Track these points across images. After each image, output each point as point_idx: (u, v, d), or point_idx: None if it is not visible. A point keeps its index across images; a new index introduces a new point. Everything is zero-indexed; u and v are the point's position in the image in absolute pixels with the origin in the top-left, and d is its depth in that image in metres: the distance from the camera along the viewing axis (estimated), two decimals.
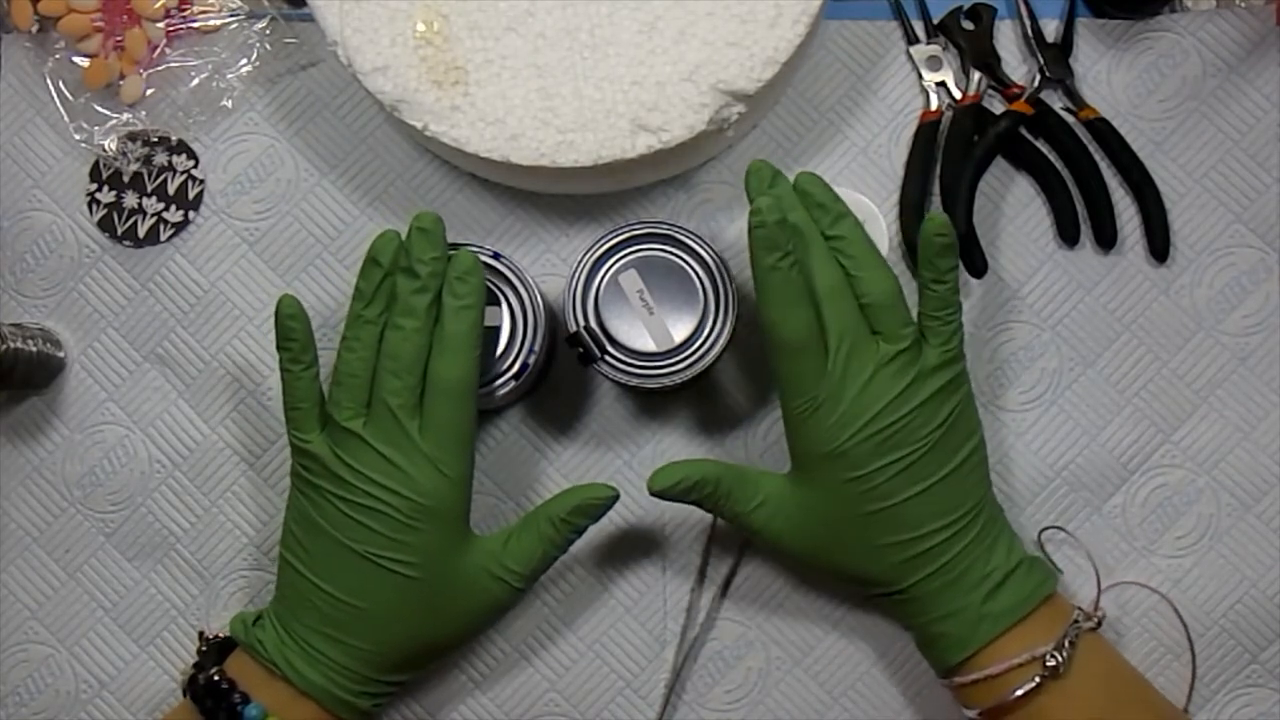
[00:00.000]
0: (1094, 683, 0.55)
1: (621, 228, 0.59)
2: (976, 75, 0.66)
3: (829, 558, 0.58)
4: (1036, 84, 0.66)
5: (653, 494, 0.57)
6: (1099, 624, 0.57)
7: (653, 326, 0.59)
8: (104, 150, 0.68)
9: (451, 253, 0.57)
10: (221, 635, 0.60)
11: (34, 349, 0.65)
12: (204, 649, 0.60)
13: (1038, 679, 0.54)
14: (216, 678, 0.56)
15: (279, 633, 0.57)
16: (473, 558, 0.57)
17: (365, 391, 0.56)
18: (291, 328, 0.57)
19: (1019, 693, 0.54)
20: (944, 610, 0.56)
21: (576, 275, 0.59)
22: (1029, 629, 0.55)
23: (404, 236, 0.57)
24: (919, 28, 0.67)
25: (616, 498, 0.58)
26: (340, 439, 0.56)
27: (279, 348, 0.57)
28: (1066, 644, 0.55)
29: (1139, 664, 0.64)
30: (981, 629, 0.55)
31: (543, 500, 0.59)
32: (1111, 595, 0.64)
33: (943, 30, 0.67)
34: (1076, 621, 0.56)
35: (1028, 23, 0.67)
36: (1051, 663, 0.54)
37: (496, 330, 0.60)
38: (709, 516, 0.65)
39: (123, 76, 0.68)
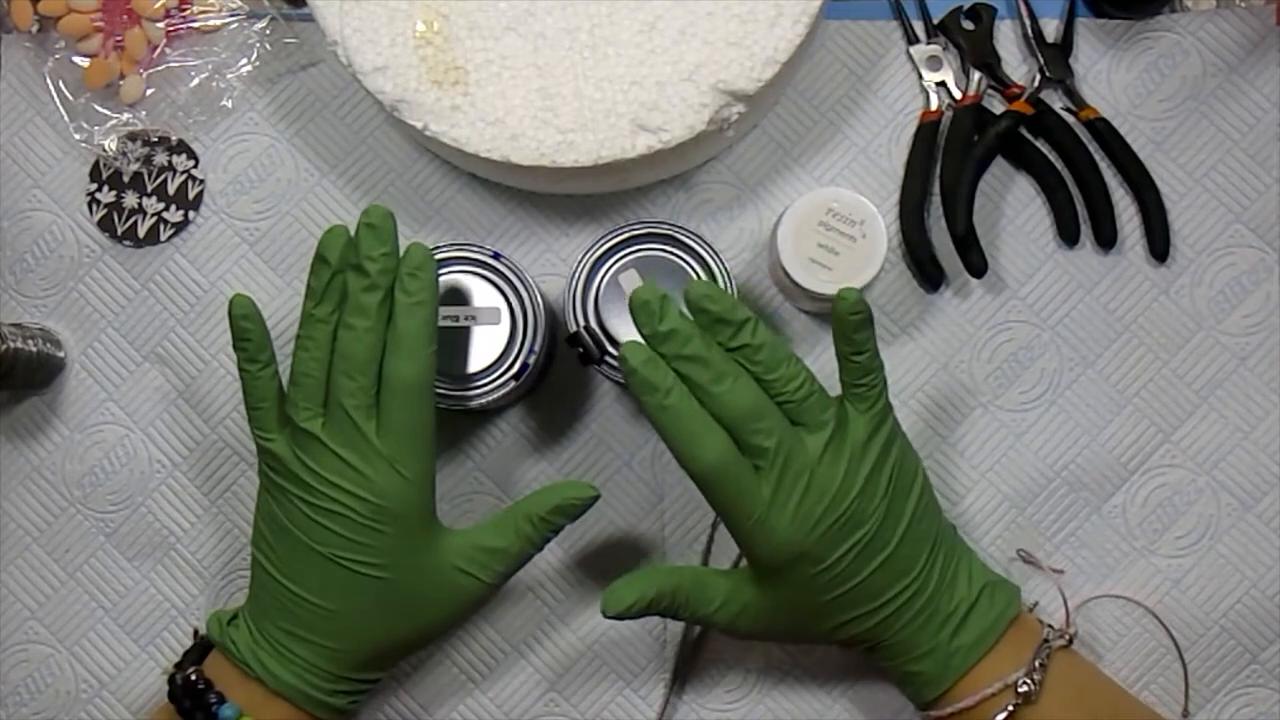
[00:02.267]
0: (1068, 701, 0.55)
1: (621, 228, 0.59)
2: (976, 75, 0.66)
3: (799, 637, 0.58)
4: (1036, 84, 0.66)
5: (607, 618, 0.55)
6: (1070, 641, 0.57)
7: None
8: (104, 150, 0.68)
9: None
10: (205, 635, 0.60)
11: (34, 349, 0.65)
12: (188, 649, 0.60)
13: (1011, 706, 0.54)
14: (194, 678, 0.56)
15: (251, 633, 0.57)
16: (441, 555, 0.56)
17: (321, 391, 0.55)
18: (245, 328, 0.56)
19: None
20: (914, 652, 0.55)
21: (576, 275, 0.59)
22: (999, 656, 0.55)
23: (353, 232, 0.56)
24: (919, 28, 0.67)
25: (597, 498, 0.57)
26: (300, 440, 0.55)
27: (235, 348, 0.57)
28: (1038, 666, 0.55)
29: (1138, 666, 0.64)
30: (953, 664, 0.55)
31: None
32: (1110, 597, 0.64)
33: (943, 30, 0.67)
34: (1047, 641, 0.56)
35: (1028, 23, 0.67)
36: (1024, 688, 0.54)
37: (497, 330, 0.60)
38: (710, 517, 0.65)
39: (123, 76, 0.68)
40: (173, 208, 0.68)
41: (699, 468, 0.53)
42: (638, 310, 0.52)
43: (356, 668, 0.57)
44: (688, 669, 0.65)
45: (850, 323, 0.53)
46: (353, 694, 0.58)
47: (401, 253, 0.55)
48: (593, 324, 0.59)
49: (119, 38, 0.68)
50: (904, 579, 0.54)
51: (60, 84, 0.68)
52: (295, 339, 0.56)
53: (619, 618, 0.55)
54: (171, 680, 0.57)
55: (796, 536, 0.53)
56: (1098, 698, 0.57)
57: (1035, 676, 0.54)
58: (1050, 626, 0.57)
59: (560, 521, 0.57)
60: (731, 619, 0.57)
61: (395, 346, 0.54)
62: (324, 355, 0.55)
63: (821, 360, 0.65)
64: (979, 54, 0.67)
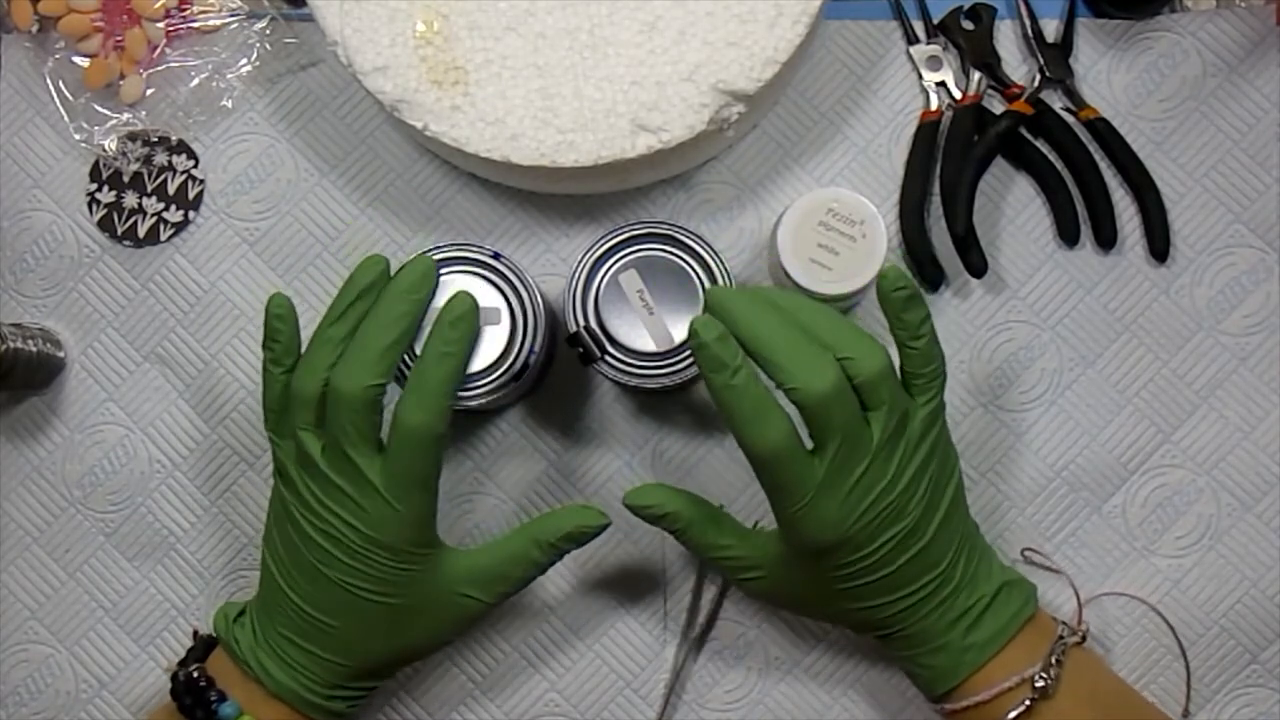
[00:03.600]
0: (1082, 699, 0.55)
1: (621, 228, 0.59)
2: (976, 75, 0.66)
3: (813, 612, 0.58)
4: (1036, 84, 0.66)
5: (624, 506, 0.56)
6: (1084, 638, 0.57)
7: (653, 326, 0.59)
8: (104, 150, 0.68)
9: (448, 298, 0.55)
10: (209, 634, 0.60)
11: (34, 349, 0.65)
12: (192, 645, 0.60)
13: (1027, 702, 0.54)
14: (195, 675, 0.56)
15: (255, 632, 0.57)
16: (443, 579, 0.56)
17: (314, 412, 0.54)
18: (277, 328, 0.56)
19: (1011, 716, 0.54)
20: (929, 645, 0.55)
21: (576, 275, 0.59)
22: (1014, 652, 0.55)
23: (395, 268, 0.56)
24: (919, 28, 0.67)
25: (608, 525, 0.57)
26: (302, 458, 0.55)
27: (264, 345, 0.56)
28: (1053, 662, 0.55)
29: (1139, 665, 0.64)
30: (966, 659, 0.55)
31: (538, 511, 0.58)
32: (1109, 596, 0.64)
33: (943, 30, 0.67)
34: (1062, 638, 0.56)
35: (1028, 23, 0.67)
36: (1040, 684, 0.54)
37: (497, 330, 0.60)
38: None
39: (123, 76, 0.68)
40: (173, 208, 0.68)
41: (760, 451, 0.52)
42: (708, 298, 0.53)
43: (355, 677, 0.57)
44: (688, 669, 0.65)
45: (895, 301, 0.53)
46: (351, 699, 0.58)
47: (440, 295, 0.56)
48: (593, 324, 0.59)
49: (119, 38, 0.68)
50: (933, 571, 0.54)
51: (60, 84, 0.68)
52: (302, 355, 0.55)
53: (633, 511, 0.56)
54: (174, 677, 0.57)
55: (843, 523, 0.52)
56: (1110, 695, 0.57)
57: (1051, 672, 0.54)
58: (1064, 624, 0.57)
59: (569, 547, 0.57)
60: (745, 578, 0.57)
61: (415, 389, 0.53)
62: (323, 376, 0.54)
63: None
64: (979, 54, 0.67)
